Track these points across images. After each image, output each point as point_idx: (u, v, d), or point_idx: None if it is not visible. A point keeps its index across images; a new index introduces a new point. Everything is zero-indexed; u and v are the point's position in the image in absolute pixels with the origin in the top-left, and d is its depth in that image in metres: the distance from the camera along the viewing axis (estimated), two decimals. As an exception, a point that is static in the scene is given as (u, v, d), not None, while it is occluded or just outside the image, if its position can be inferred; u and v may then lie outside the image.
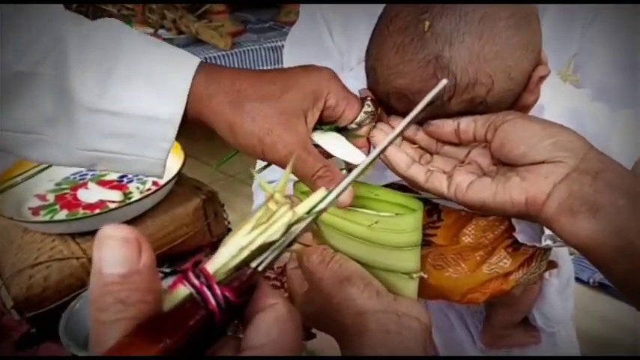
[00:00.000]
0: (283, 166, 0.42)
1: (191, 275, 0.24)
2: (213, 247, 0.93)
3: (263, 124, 0.40)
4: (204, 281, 0.23)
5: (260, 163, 0.55)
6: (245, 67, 2.02)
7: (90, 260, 0.78)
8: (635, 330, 1.74)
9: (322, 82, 0.43)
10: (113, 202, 0.87)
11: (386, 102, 0.49)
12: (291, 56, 0.80)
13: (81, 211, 0.86)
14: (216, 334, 0.24)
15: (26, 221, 0.83)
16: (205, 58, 1.92)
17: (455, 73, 0.44)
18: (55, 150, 0.43)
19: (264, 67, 2.07)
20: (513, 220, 0.61)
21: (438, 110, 0.46)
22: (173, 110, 0.41)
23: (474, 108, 0.45)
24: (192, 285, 0.23)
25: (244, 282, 0.24)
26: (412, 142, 0.48)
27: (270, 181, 0.48)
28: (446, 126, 0.45)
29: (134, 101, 0.41)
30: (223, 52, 1.95)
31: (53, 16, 0.41)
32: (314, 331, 0.74)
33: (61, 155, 0.43)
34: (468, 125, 0.44)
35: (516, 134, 0.40)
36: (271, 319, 0.25)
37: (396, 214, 0.46)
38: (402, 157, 0.46)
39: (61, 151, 0.43)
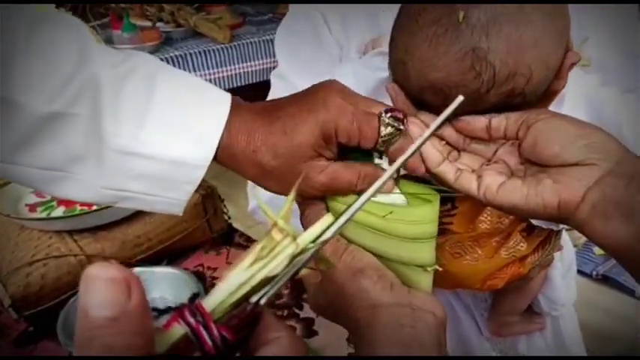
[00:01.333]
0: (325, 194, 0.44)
1: (187, 313, 0.22)
2: (214, 242, 0.92)
3: (286, 178, 0.42)
4: (201, 320, 0.22)
5: None
6: (245, 59, 2.00)
7: (88, 257, 0.77)
8: (637, 322, 1.73)
9: (329, 120, 0.41)
10: (111, 198, 0.86)
11: (419, 97, 0.47)
12: (284, 47, 0.77)
13: (78, 208, 0.85)
14: None
15: (23, 218, 0.82)
16: (204, 51, 1.90)
17: (493, 64, 0.42)
18: (79, 188, 0.43)
19: (264, 60, 2.05)
20: None
21: (476, 103, 0.44)
22: (202, 156, 0.42)
23: (512, 99, 0.44)
24: (188, 324, 0.22)
25: (244, 319, 0.23)
26: (440, 138, 0.47)
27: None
28: (477, 122, 0.44)
29: (166, 146, 0.41)
30: (222, 45, 1.93)
31: (88, 53, 0.41)
32: (315, 328, 0.74)
33: (85, 193, 0.43)
34: (499, 122, 0.43)
35: (549, 134, 0.39)
36: (274, 354, 0.24)
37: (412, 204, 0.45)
38: (434, 153, 0.45)
39: (85, 189, 0.43)
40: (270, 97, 0.76)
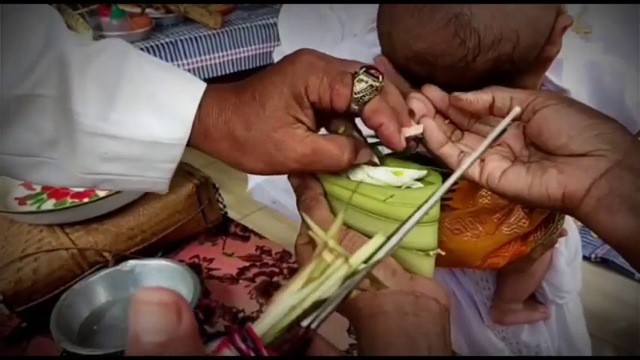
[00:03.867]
0: (306, 170, 0.41)
1: (237, 338, 0.22)
2: (209, 233, 0.90)
3: (262, 150, 0.40)
4: (252, 345, 0.22)
5: None
6: (236, 45, 1.97)
7: (80, 251, 0.75)
8: (636, 305, 1.74)
9: (297, 78, 0.39)
10: (102, 189, 0.84)
11: (405, 68, 0.46)
12: (286, 26, 0.78)
13: (69, 200, 0.83)
14: None
15: (12, 212, 0.80)
16: (195, 38, 1.87)
17: (478, 30, 0.41)
18: (56, 172, 0.42)
19: (256, 46, 2.02)
20: None
21: (463, 71, 0.44)
22: (178, 136, 0.40)
23: (500, 66, 0.43)
24: (238, 349, 0.22)
25: (295, 344, 0.23)
26: (445, 116, 0.46)
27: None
28: (480, 101, 0.42)
29: (137, 126, 0.40)
30: (213, 31, 1.90)
31: (56, 35, 0.39)
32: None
33: (63, 178, 0.43)
34: (503, 102, 0.41)
35: (556, 123, 0.38)
36: None
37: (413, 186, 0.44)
38: (437, 134, 0.43)
39: (62, 174, 0.42)
40: None
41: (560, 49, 0.47)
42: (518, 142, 0.42)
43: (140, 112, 0.40)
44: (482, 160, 0.41)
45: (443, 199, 0.64)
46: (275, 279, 0.80)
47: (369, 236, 0.40)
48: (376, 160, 0.43)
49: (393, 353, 0.34)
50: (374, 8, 0.60)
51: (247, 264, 0.84)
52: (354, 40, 0.65)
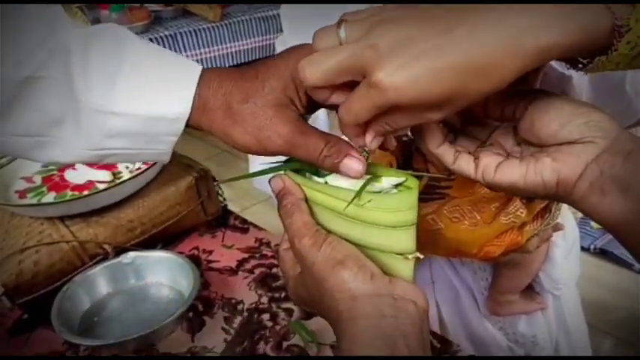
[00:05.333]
0: (287, 154, 0.42)
1: None
2: (209, 225, 0.91)
3: (254, 122, 0.41)
4: None
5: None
6: (236, 38, 1.97)
7: (81, 243, 0.76)
8: (635, 295, 1.74)
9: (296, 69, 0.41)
10: (102, 182, 0.85)
11: None
12: (289, 15, 0.80)
13: (69, 193, 0.83)
14: None
15: (13, 205, 0.80)
16: (194, 30, 1.87)
17: None
18: (62, 150, 0.44)
19: (256, 38, 2.02)
20: None
21: None
22: (179, 110, 0.42)
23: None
24: None
25: None
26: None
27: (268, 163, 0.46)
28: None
29: (141, 102, 0.41)
30: (213, 24, 1.90)
31: (55, 20, 0.41)
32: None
33: (69, 155, 0.44)
34: (496, 102, 0.42)
35: (548, 113, 0.39)
36: None
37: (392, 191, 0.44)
38: (435, 133, 0.43)
39: (68, 151, 0.44)
40: None
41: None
42: (509, 140, 0.43)
43: (143, 88, 0.41)
44: (477, 158, 0.42)
45: (443, 187, 0.65)
46: (274, 270, 0.81)
47: (349, 240, 0.41)
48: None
49: (372, 353, 0.35)
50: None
51: (246, 256, 0.84)
52: None
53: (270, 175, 0.45)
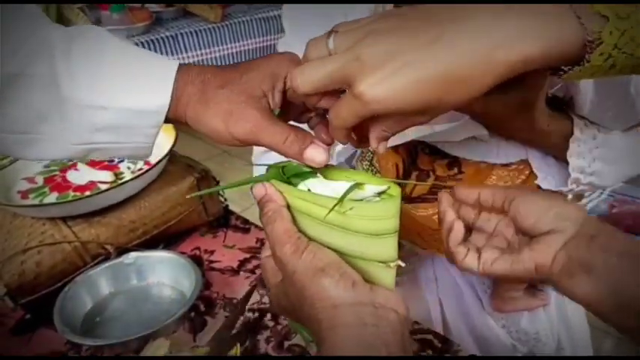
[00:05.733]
0: (252, 143, 0.44)
1: None
2: (210, 225, 0.91)
3: (225, 106, 0.43)
4: None
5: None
6: (237, 38, 1.97)
7: (83, 244, 0.76)
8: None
9: (282, 65, 0.44)
10: (104, 182, 0.85)
11: None
12: (290, 16, 0.81)
13: (71, 194, 0.83)
14: None
15: (15, 205, 0.80)
16: (195, 31, 1.87)
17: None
18: (49, 146, 0.45)
19: (257, 39, 2.02)
20: (535, 168, 0.63)
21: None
22: (160, 102, 0.44)
23: None
24: None
25: None
26: (461, 218, 0.52)
27: (268, 164, 0.47)
28: (470, 195, 0.51)
29: (125, 95, 0.43)
30: (214, 25, 1.90)
31: (35, 19, 0.43)
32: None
33: (56, 151, 0.45)
34: (486, 196, 0.50)
35: (526, 208, 0.46)
36: None
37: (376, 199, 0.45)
38: (456, 235, 0.50)
39: (55, 147, 0.45)
40: None
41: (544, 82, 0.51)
42: (509, 229, 0.49)
43: (126, 83, 0.43)
44: (479, 252, 0.48)
45: (449, 187, 0.65)
46: (275, 270, 0.81)
47: (330, 248, 0.41)
48: (319, 164, 0.45)
49: None
50: (372, 6, 0.62)
51: (248, 256, 0.85)
52: None
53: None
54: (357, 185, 0.43)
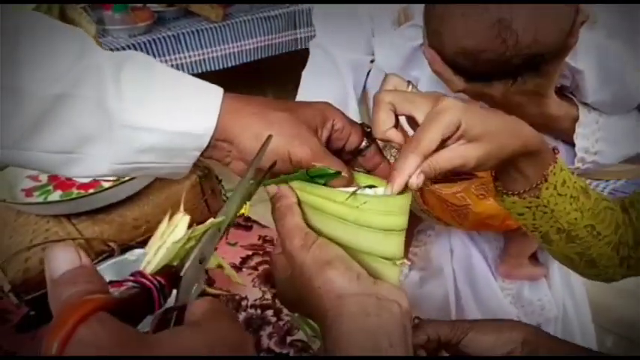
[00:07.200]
0: (300, 167, 0.45)
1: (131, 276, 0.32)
2: (212, 223, 0.91)
3: (289, 130, 0.45)
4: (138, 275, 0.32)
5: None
6: (238, 38, 1.98)
7: (87, 241, 0.76)
8: (637, 294, 1.74)
9: (328, 108, 0.48)
10: (107, 180, 0.85)
11: (452, 60, 0.59)
12: (321, 19, 0.86)
13: (75, 191, 0.84)
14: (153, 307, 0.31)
15: (19, 203, 0.81)
16: (197, 31, 1.88)
17: (517, 32, 0.54)
18: (94, 165, 0.45)
19: (258, 38, 2.03)
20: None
21: (502, 64, 0.57)
22: (206, 125, 0.45)
23: (532, 59, 0.56)
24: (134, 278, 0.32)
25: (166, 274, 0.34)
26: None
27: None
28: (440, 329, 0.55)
29: (172, 118, 0.44)
30: (215, 24, 1.90)
31: (88, 46, 0.44)
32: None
33: (99, 169, 0.46)
34: (434, 333, 0.54)
35: (480, 342, 0.53)
36: (206, 302, 0.31)
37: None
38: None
39: (99, 166, 0.45)
40: (309, 65, 0.89)
41: (577, 39, 0.57)
42: None
43: (172, 106, 0.44)
44: None
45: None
46: (278, 267, 0.82)
47: (340, 243, 0.42)
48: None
49: (357, 351, 0.36)
50: (396, 8, 0.74)
51: (250, 253, 0.85)
52: (394, 33, 0.76)
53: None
54: (371, 187, 0.45)
